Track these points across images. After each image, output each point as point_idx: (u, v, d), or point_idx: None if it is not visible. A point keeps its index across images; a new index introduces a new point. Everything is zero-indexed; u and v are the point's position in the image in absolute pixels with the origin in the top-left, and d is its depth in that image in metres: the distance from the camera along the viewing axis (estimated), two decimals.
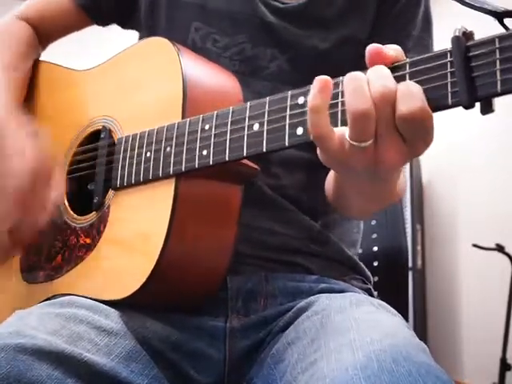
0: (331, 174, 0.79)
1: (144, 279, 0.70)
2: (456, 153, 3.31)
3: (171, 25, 0.89)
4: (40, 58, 1.02)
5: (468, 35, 0.50)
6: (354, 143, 0.55)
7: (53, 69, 0.99)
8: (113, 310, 0.71)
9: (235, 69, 0.85)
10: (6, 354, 0.58)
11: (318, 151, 0.59)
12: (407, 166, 3.07)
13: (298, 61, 0.86)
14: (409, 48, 0.86)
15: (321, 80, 0.56)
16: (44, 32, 1.02)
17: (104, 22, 1.01)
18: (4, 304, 0.88)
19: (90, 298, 0.73)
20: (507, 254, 2.81)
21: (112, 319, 0.70)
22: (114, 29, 1.02)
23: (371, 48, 0.56)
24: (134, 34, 1.00)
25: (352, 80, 0.55)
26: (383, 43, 0.57)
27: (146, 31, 0.93)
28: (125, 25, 1.00)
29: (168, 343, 0.72)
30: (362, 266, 0.92)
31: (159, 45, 0.79)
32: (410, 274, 3.01)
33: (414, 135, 0.53)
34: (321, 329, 0.66)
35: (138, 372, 0.66)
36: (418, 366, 0.54)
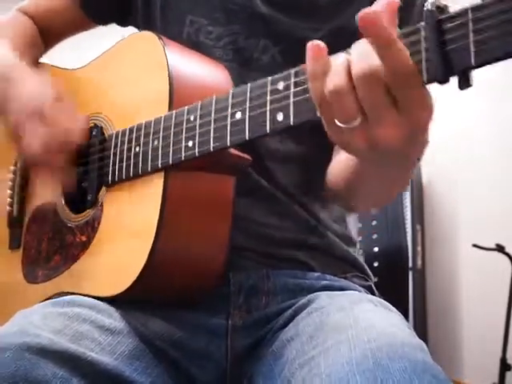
0: (343, 164, 0.77)
1: (136, 274, 0.70)
2: (456, 153, 3.31)
3: (166, 19, 0.89)
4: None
5: (441, 9, 0.49)
6: (340, 124, 0.54)
7: (45, 68, 0.99)
8: (115, 309, 0.72)
9: (229, 58, 0.85)
10: (11, 353, 0.58)
11: (328, 135, 0.57)
12: None
13: (291, 52, 0.85)
14: None
15: (315, 45, 0.54)
16: (46, 30, 1.02)
17: (103, 21, 1.01)
18: (9, 305, 0.89)
19: (89, 296, 0.73)
20: (507, 254, 2.80)
21: (115, 318, 0.70)
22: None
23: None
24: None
25: (333, 64, 0.54)
26: None
27: (143, 27, 0.93)
28: (123, 23, 1.00)
29: (170, 341, 0.73)
30: (363, 263, 0.92)
31: (145, 39, 0.80)
32: (410, 274, 2.99)
33: (408, 98, 0.51)
34: (320, 326, 0.67)
35: (141, 371, 0.67)
36: (414, 363, 0.54)
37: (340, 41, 0.84)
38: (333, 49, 0.72)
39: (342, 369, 0.54)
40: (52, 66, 1.00)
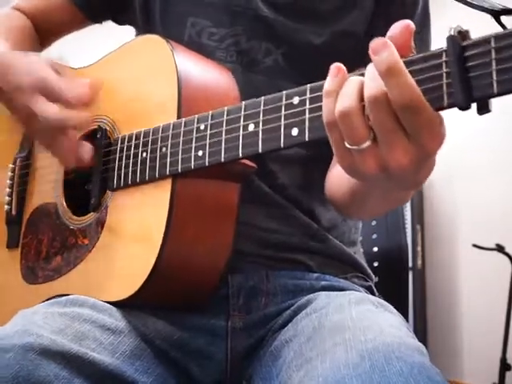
0: (343, 180, 0.77)
1: (142, 280, 0.70)
2: (456, 153, 3.30)
3: (167, 20, 0.89)
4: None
5: (463, 34, 0.48)
6: (350, 146, 0.53)
7: None
8: (116, 308, 0.72)
9: (232, 60, 0.85)
10: (14, 353, 0.58)
11: (335, 158, 0.57)
12: None
13: (293, 56, 0.85)
14: None
15: (335, 66, 0.55)
16: (41, 27, 1.01)
17: (97, 18, 1.00)
18: (6, 304, 0.88)
19: None
20: (507, 254, 2.80)
21: (116, 318, 0.70)
22: (112, 25, 1.02)
23: (399, 24, 0.52)
24: (131, 31, 0.99)
25: (346, 84, 0.54)
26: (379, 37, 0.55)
27: (142, 27, 0.93)
28: (119, 21, 1.00)
29: (170, 342, 0.73)
30: (363, 263, 0.91)
31: (153, 42, 0.79)
32: (410, 274, 3.00)
33: (419, 129, 0.51)
34: (318, 327, 0.66)
35: (142, 370, 0.67)
36: (411, 365, 0.53)
37: (343, 45, 0.85)
38: (336, 53, 0.73)
39: (339, 372, 0.54)
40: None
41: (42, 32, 1.02)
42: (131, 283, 0.71)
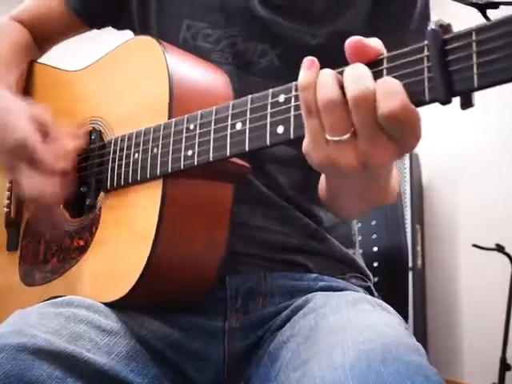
0: (323, 177, 0.78)
1: (134, 281, 0.70)
2: (456, 153, 3.31)
3: (162, 23, 0.89)
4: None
5: (445, 28, 0.48)
6: (330, 137, 0.53)
7: (46, 70, 0.99)
8: (112, 309, 0.72)
9: (228, 61, 0.84)
10: (6, 353, 0.58)
11: (305, 149, 0.57)
12: (407, 166, 3.06)
13: (289, 56, 0.85)
14: (406, 43, 0.86)
15: (308, 59, 0.56)
16: (40, 35, 1.02)
17: (96, 25, 1.00)
18: (5, 306, 0.89)
19: None
20: (507, 254, 2.80)
21: (112, 319, 0.70)
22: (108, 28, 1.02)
23: (351, 41, 0.54)
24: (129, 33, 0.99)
25: (321, 75, 0.55)
26: (378, 37, 0.56)
27: (139, 31, 0.93)
28: (118, 26, 1.00)
29: (167, 343, 0.73)
30: (362, 264, 0.91)
31: (146, 44, 0.79)
32: (410, 274, 3.00)
33: (402, 133, 0.51)
34: (315, 328, 0.67)
35: (137, 371, 0.67)
36: (407, 365, 0.53)
37: (338, 45, 0.84)
38: (331, 53, 0.73)
39: (335, 372, 0.54)
40: (49, 66, 0.99)
41: (40, 40, 1.02)
42: (124, 283, 0.71)
